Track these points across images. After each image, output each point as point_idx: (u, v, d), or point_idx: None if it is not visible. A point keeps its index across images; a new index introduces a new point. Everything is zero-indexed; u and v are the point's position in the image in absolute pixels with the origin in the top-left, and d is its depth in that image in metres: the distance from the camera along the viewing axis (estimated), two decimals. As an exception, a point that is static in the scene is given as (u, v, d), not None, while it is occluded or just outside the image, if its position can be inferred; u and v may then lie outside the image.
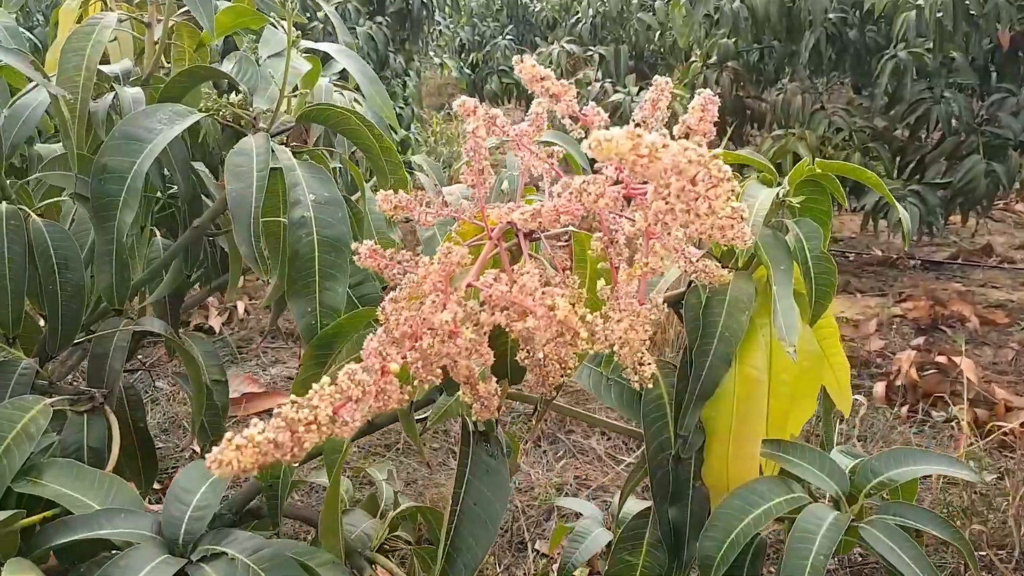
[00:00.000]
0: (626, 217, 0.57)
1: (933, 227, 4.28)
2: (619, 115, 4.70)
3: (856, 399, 3.10)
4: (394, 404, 0.50)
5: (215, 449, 0.44)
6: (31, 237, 0.85)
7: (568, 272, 0.67)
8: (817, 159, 0.78)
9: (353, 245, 0.58)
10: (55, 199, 0.95)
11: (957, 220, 4.82)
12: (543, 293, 0.53)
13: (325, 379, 0.47)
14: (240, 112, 0.90)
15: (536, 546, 2.50)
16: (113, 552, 0.70)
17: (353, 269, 1.01)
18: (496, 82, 7.80)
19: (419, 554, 1.04)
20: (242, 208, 0.82)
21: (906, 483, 0.70)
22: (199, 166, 1.15)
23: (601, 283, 0.61)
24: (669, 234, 0.54)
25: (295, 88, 1.06)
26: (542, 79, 0.56)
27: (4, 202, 0.84)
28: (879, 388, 3.62)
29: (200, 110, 0.90)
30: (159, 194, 1.02)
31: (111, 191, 0.82)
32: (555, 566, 0.99)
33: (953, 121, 4.06)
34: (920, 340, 4.08)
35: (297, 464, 0.82)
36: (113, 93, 0.97)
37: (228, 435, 0.44)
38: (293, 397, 0.46)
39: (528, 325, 0.53)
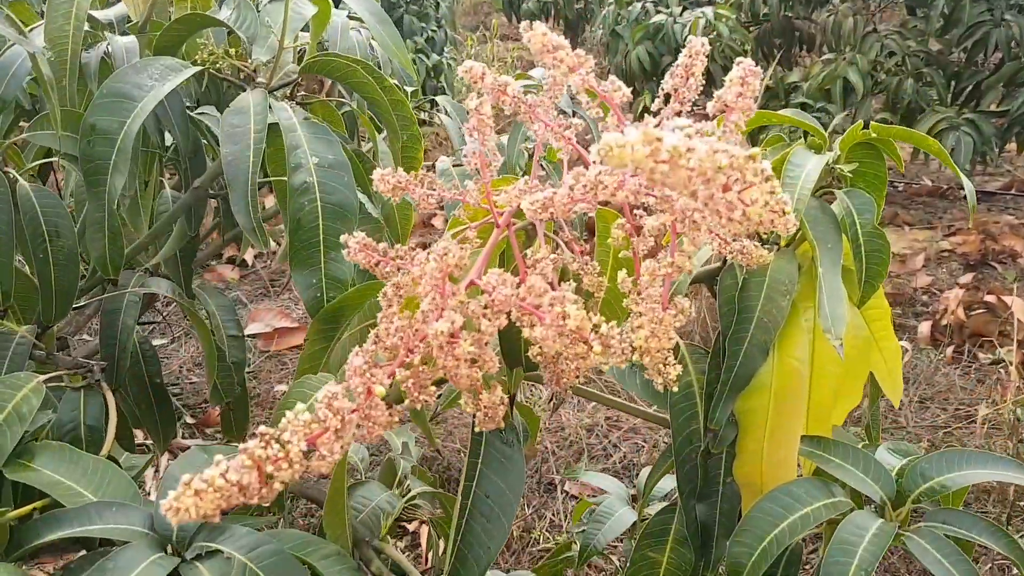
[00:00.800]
0: (649, 207, 0.50)
1: (987, 157, 4.09)
2: (660, 38, 4.52)
3: (901, 344, 3.00)
4: (381, 430, 0.44)
5: (171, 494, 0.38)
6: (19, 205, 0.80)
7: (588, 257, 0.61)
8: (872, 122, 0.70)
9: (342, 238, 0.52)
10: (47, 159, 0.90)
11: (1013, 149, 4.61)
12: (553, 299, 0.47)
13: (299, 406, 0.41)
14: (238, 64, 0.83)
15: (565, 487, 2.48)
16: (104, 546, 0.66)
17: (365, 231, 0.96)
18: (533, 1, 7.54)
19: (435, 522, 1.00)
20: (238, 174, 0.76)
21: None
22: (211, 110, 1.08)
23: (623, 274, 0.54)
24: (699, 230, 0.47)
25: (306, 28, 0.98)
26: (554, 49, 0.49)
27: (-11, 167, 0.79)
28: (924, 328, 3.52)
29: (195, 63, 0.83)
30: (159, 150, 0.96)
31: (100, 154, 0.77)
32: (577, 532, 0.95)
33: (1013, 45, 3.83)
34: (969, 277, 3.94)
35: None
36: (106, 42, 0.90)
37: (185, 478, 0.39)
38: (262, 429, 0.41)
39: (536, 335, 0.47)
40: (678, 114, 0.53)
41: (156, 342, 3.13)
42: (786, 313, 0.66)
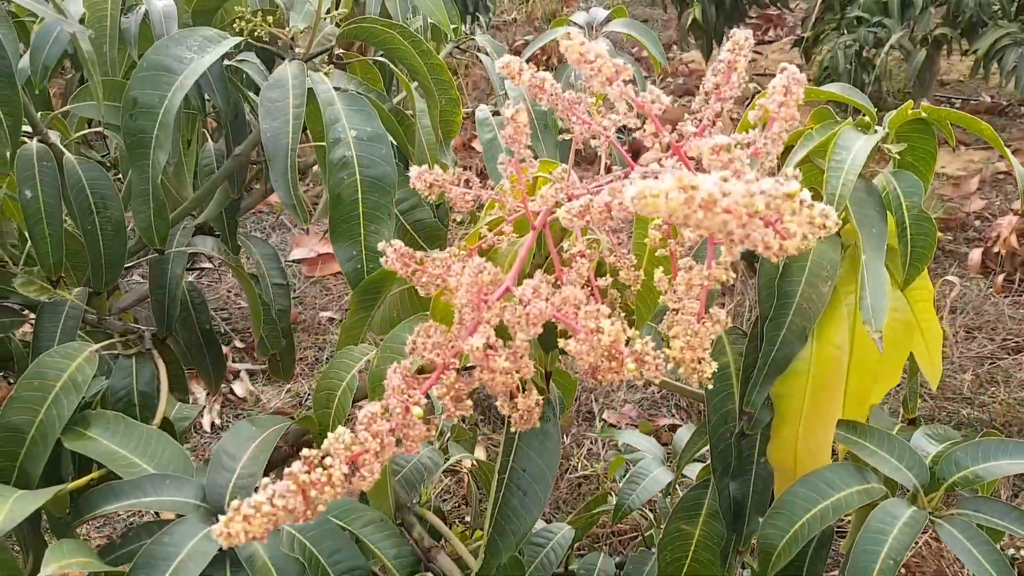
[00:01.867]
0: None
1: (1051, 75, 3.92)
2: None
3: (949, 279, 2.95)
4: (417, 446, 0.45)
5: (222, 519, 0.40)
6: (65, 177, 0.81)
7: (625, 250, 0.60)
8: (922, 102, 0.68)
9: (380, 246, 0.52)
10: (91, 130, 0.91)
11: (1080, 67, 4.40)
12: (588, 313, 0.47)
13: (341, 430, 0.43)
14: (276, 32, 0.83)
15: (603, 416, 2.52)
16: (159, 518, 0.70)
17: (404, 193, 0.96)
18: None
19: (475, 474, 1.03)
20: (278, 150, 0.76)
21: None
22: (251, 56, 1.08)
23: (659, 272, 0.54)
24: (736, 246, 0.47)
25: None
26: (593, 59, 0.47)
27: (35, 139, 0.80)
28: (975, 255, 3.45)
29: (233, 31, 0.82)
30: (199, 112, 0.96)
31: (143, 127, 0.77)
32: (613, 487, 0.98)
33: (1084, -44, 3.62)
34: (1025, 201, 3.82)
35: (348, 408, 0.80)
36: (143, 6, 0.90)
37: (235, 504, 0.40)
38: (304, 452, 0.42)
39: (570, 348, 0.48)
40: (718, 115, 0.52)
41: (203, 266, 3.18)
42: (827, 299, 0.66)
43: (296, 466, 0.42)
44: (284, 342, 1.17)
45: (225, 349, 2.95)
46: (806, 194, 0.39)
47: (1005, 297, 3.21)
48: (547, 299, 0.49)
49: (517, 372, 0.50)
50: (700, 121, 0.53)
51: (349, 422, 1.01)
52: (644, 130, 0.50)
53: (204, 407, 2.28)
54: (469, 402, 0.48)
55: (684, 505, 0.74)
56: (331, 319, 3.16)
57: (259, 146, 0.93)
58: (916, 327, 0.71)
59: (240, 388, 2.80)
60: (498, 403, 0.53)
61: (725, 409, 0.70)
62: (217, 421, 2.61)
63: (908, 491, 0.64)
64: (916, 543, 1.89)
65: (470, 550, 0.78)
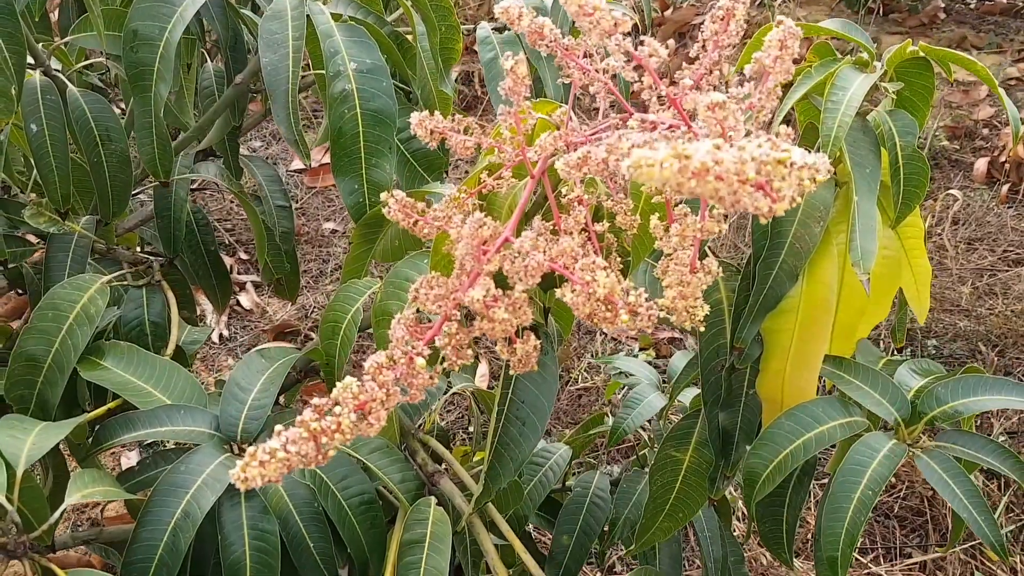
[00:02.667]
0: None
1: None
2: None
3: (951, 193, 2.94)
4: (422, 394, 0.48)
5: (238, 464, 0.43)
6: (69, 110, 0.82)
7: (623, 194, 0.62)
8: (920, 42, 0.67)
9: (383, 196, 0.53)
10: (92, 60, 0.91)
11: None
12: (584, 265, 0.49)
13: (348, 380, 0.45)
14: (274, -41, 0.81)
15: (603, 329, 2.56)
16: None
17: (403, 123, 0.96)
18: None
19: (476, 396, 1.07)
20: (278, 83, 0.76)
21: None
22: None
23: (655, 219, 0.56)
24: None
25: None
26: (592, 11, 0.48)
27: (39, 71, 0.80)
28: (980, 165, 3.43)
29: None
30: (198, 38, 0.95)
31: (144, 60, 0.77)
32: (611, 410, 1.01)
33: None
34: (1033, 109, 3.77)
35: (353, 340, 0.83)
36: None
37: (251, 450, 0.43)
38: (315, 401, 0.45)
39: (566, 298, 0.50)
40: (716, 64, 0.53)
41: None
42: (818, 239, 0.67)
43: (307, 413, 0.45)
44: (288, 267, 1.19)
45: (230, 260, 2.98)
46: (797, 155, 0.40)
47: (1009, 208, 3.20)
48: (544, 251, 0.51)
49: (516, 321, 0.52)
50: (698, 70, 0.53)
51: (355, 352, 1.03)
52: (642, 83, 0.51)
53: (212, 329, 2.32)
54: (470, 351, 0.50)
55: (675, 434, 0.77)
56: (334, 231, 3.17)
57: (260, 74, 0.93)
58: (906, 263, 0.73)
59: (246, 300, 2.84)
60: (497, 348, 0.55)
61: (717, 344, 0.73)
62: (225, 333, 2.66)
63: (890, 425, 0.67)
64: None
65: (472, 472, 0.82)
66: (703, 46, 0.54)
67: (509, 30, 1.27)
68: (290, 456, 0.43)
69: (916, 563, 1.91)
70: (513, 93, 0.52)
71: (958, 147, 3.64)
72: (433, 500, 0.72)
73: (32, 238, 0.93)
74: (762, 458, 0.68)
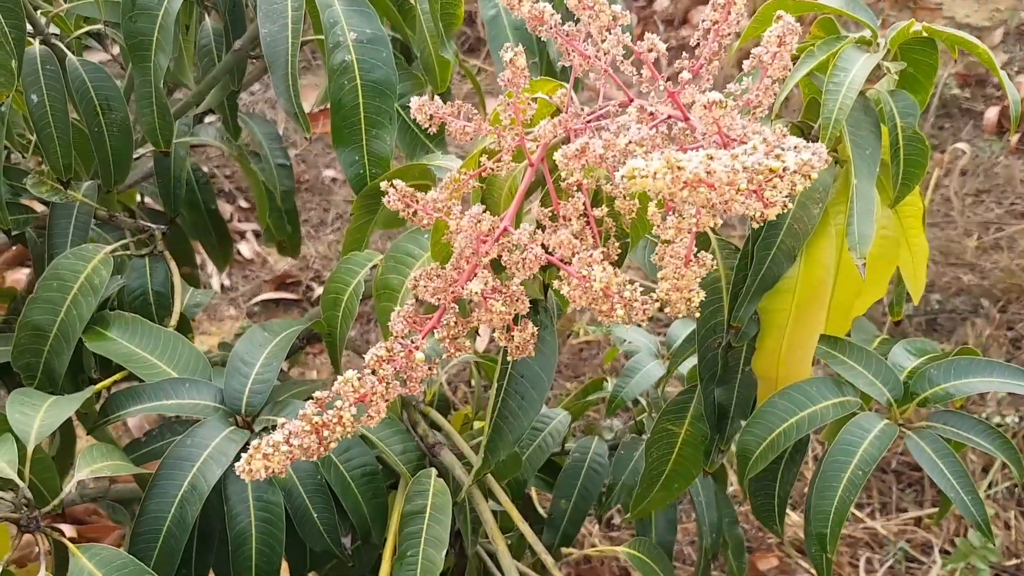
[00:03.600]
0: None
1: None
2: None
3: (959, 147, 2.91)
4: (420, 386, 0.49)
5: (244, 457, 0.44)
6: (69, 80, 0.81)
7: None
8: (924, 23, 0.67)
9: (383, 185, 0.54)
10: (91, 27, 0.90)
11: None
12: (581, 260, 0.49)
13: (349, 373, 0.46)
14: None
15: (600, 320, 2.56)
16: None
17: (405, 87, 0.96)
18: None
19: (478, 365, 1.08)
20: (277, 55, 0.76)
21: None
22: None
23: (652, 207, 0.56)
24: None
25: None
26: (592, 6, 0.47)
27: (38, 39, 0.80)
28: (991, 114, 3.39)
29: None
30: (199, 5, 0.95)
31: (143, 29, 0.77)
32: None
33: None
34: (1047, 58, 3.71)
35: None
36: None
37: (255, 443, 0.44)
38: (317, 394, 0.46)
39: (563, 291, 0.51)
40: (716, 54, 0.53)
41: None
42: (817, 221, 0.68)
43: (309, 407, 0.46)
44: (290, 228, 1.20)
45: (230, 209, 2.98)
46: (790, 159, 0.41)
47: (1018, 158, 3.18)
48: (543, 241, 0.51)
49: (514, 312, 0.53)
50: (697, 61, 0.53)
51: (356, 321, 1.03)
52: (640, 76, 0.50)
53: (214, 293, 2.34)
54: (468, 342, 0.51)
55: (671, 408, 0.78)
56: (334, 179, 3.16)
57: (259, 40, 0.92)
58: (903, 242, 0.73)
59: (246, 249, 2.84)
60: (495, 334, 0.56)
61: (714, 321, 0.73)
62: (226, 282, 2.68)
63: (882, 405, 0.68)
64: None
65: (471, 443, 0.84)
66: (704, 35, 0.53)
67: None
68: (293, 449, 0.45)
69: (912, 518, 1.95)
70: (512, 85, 0.52)
71: (969, 95, 3.59)
72: (434, 472, 0.74)
73: (35, 204, 0.93)
74: (755, 436, 0.69)
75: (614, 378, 1.03)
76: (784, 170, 0.40)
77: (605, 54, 0.56)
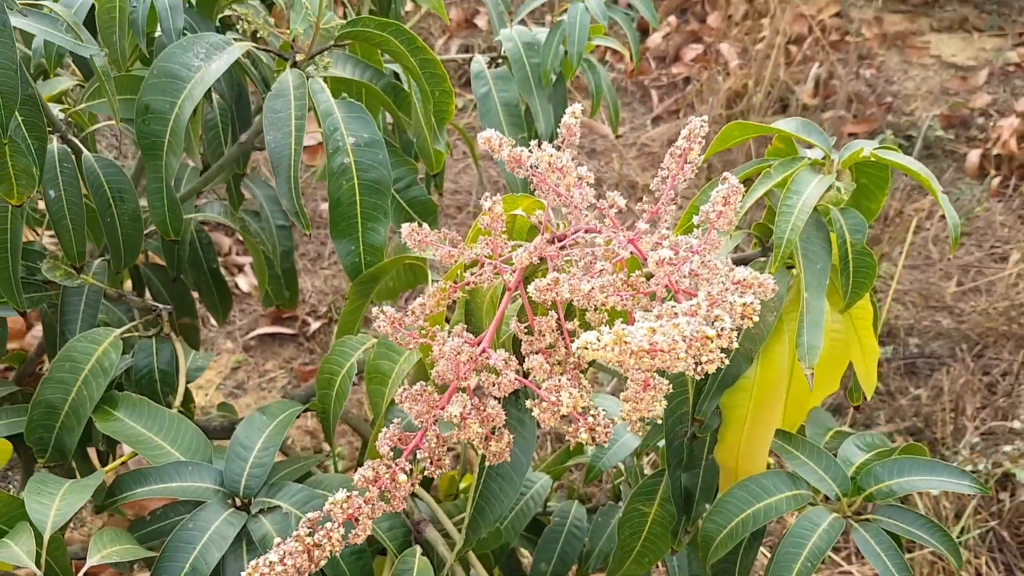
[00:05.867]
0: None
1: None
2: None
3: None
4: (403, 503, 0.55)
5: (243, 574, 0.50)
6: (84, 174, 0.87)
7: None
8: (873, 150, 0.73)
9: (375, 311, 0.60)
10: (106, 123, 0.96)
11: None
12: (550, 387, 0.55)
13: (339, 495, 0.52)
14: (277, 33, 0.87)
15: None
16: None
17: (400, 173, 1.02)
18: None
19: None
20: (281, 160, 0.82)
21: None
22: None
23: (619, 322, 0.62)
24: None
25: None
26: (560, 168, 0.54)
27: (56, 137, 0.86)
28: (973, 157, 3.47)
29: (236, 30, 0.87)
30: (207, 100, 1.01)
31: (156, 131, 0.83)
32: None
33: None
34: (1030, 100, 3.80)
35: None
36: (149, -5, 0.93)
37: (253, 563, 0.50)
38: (310, 515, 0.52)
39: (535, 412, 0.56)
40: (671, 200, 0.59)
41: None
42: (772, 327, 0.74)
43: (302, 527, 0.52)
44: (288, 293, 1.25)
45: (228, 241, 3.03)
46: (727, 323, 0.47)
47: (999, 201, 3.25)
48: (524, 348, 0.57)
49: (489, 428, 0.59)
50: (656, 200, 0.60)
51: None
52: (603, 225, 0.57)
53: (214, 355, 2.40)
54: (447, 460, 0.57)
55: (641, 490, 0.84)
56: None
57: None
58: (855, 342, 0.80)
59: (244, 283, 2.90)
60: (473, 444, 0.62)
61: (680, 412, 0.79)
62: (225, 318, 2.72)
63: (831, 498, 0.74)
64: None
65: (455, 519, 0.89)
66: (662, 181, 0.60)
67: (501, 64, 1.32)
68: (287, 568, 0.50)
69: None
70: (491, 228, 0.58)
71: (953, 136, 3.68)
72: (418, 550, 0.79)
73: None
74: (717, 524, 0.75)
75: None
76: (721, 333, 0.47)
77: (580, 180, 0.62)
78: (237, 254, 2.99)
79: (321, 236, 3.12)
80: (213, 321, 2.72)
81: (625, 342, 0.44)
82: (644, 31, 4.20)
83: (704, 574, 0.95)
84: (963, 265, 3.01)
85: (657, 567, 1.03)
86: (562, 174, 0.54)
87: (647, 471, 1.11)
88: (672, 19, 4.28)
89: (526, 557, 1.24)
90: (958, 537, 2.00)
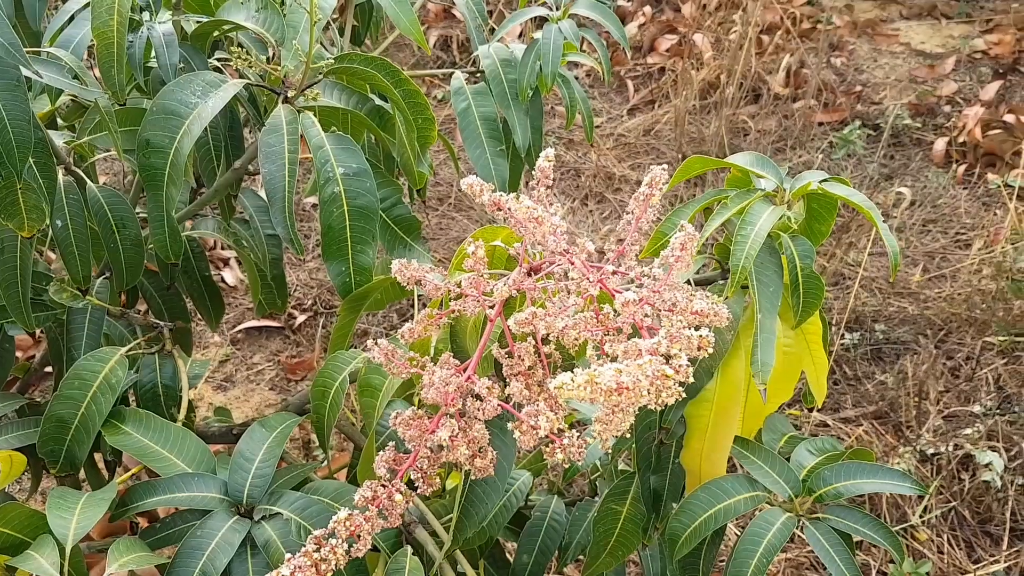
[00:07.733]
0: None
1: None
2: None
3: (900, 191, 3.07)
4: (399, 519, 0.62)
5: (258, 585, 0.57)
6: (89, 204, 0.93)
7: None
8: (824, 182, 0.80)
9: (368, 344, 0.66)
10: (106, 154, 1.01)
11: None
12: (528, 412, 0.62)
13: (341, 513, 0.59)
14: (268, 69, 0.92)
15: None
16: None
17: (385, 193, 1.08)
18: None
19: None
20: (276, 191, 0.88)
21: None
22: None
23: (590, 349, 0.69)
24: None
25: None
26: (536, 219, 0.60)
27: (61, 169, 0.91)
28: (939, 146, 3.56)
29: (232, 66, 0.92)
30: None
31: (156, 164, 0.88)
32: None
33: None
34: (994, 88, 3.89)
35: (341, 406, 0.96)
36: (145, 28, 0.98)
37: None
38: (316, 533, 0.58)
39: (515, 435, 0.63)
40: (635, 243, 0.66)
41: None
42: (730, 344, 0.81)
43: (310, 543, 0.58)
44: (280, 303, 1.31)
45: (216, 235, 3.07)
46: (684, 362, 0.54)
47: (964, 189, 3.34)
48: (505, 373, 0.64)
49: (476, 448, 0.66)
50: (622, 241, 0.66)
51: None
52: (573, 264, 0.63)
53: (211, 363, 2.47)
54: (438, 480, 0.64)
55: (615, 491, 0.92)
56: (315, 205, 3.27)
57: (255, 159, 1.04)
58: (807, 355, 0.87)
59: (230, 276, 2.95)
60: (460, 461, 0.69)
61: (649, 419, 0.87)
62: (211, 314, 2.77)
63: (784, 499, 0.82)
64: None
65: (443, 520, 0.96)
66: (627, 224, 0.66)
67: (479, 81, 1.38)
68: (296, 582, 0.57)
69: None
70: (474, 269, 0.64)
71: (920, 125, 3.77)
72: (409, 550, 0.86)
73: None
74: (682, 523, 0.82)
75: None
76: (679, 370, 0.54)
77: (553, 251, 0.68)
78: (222, 248, 3.03)
79: (305, 229, 3.17)
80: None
81: (596, 383, 0.50)
82: (623, 17, 4.25)
83: (673, 567, 1.03)
84: (928, 252, 3.10)
85: (630, 562, 1.11)
86: (538, 223, 0.61)
87: (621, 466, 1.18)
88: (647, 9, 4.33)
89: (510, 553, 1.32)
90: (921, 517, 2.10)
